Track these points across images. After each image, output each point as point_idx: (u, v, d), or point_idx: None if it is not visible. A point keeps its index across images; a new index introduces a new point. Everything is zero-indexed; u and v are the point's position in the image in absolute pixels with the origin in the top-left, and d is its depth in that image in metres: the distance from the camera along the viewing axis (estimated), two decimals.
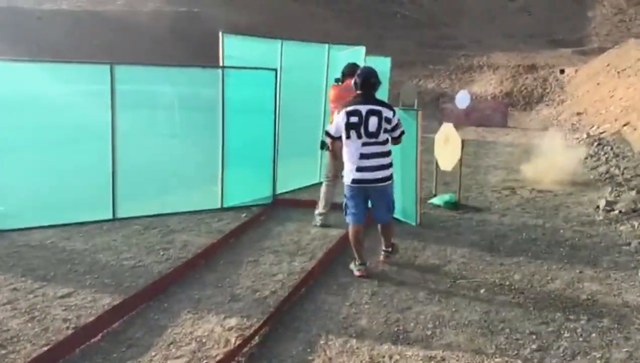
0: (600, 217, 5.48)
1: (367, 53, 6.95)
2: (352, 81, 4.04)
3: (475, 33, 24.48)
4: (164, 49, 18.13)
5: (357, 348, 2.94)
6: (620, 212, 5.52)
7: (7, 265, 4.03)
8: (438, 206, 5.88)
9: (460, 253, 4.41)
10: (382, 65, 6.82)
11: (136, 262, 4.16)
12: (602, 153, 8.95)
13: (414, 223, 5.17)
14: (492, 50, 20.99)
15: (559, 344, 2.98)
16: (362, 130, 3.81)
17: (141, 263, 4.14)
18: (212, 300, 3.51)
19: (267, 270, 4.05)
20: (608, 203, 5.78)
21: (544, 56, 20.08)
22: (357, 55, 7.16)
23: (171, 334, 3.06)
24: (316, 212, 5.18)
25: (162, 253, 4.36)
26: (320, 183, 5.37)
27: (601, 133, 10.90)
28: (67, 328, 3.10)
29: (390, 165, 3.97)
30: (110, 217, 5.19)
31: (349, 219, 4.03)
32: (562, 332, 3.12)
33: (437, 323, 3.22)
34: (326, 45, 6.92)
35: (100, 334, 3.03)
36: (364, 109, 3.83)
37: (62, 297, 3.50)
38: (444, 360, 2.83)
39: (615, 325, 3.19)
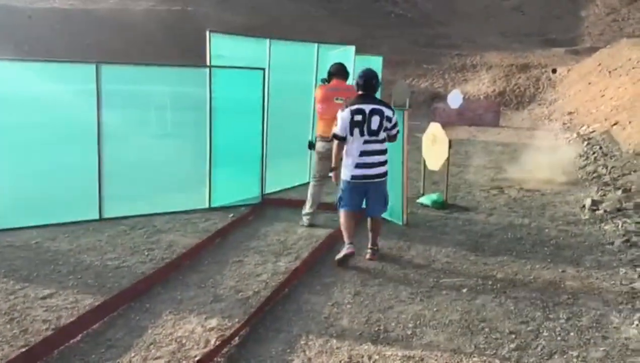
0: (586, 216, 5.52)
1: (362, 52, 6.93)
2: (354, 82, 4.20)
3: (469, 32, 24.55)
4: (156, 47, 18.08)
5: (337, 348, 2.95)
6: (605, 211, 5.55)
7: None
8: (426, 205, 5.89)
9: (445, 253, 4.44)
10: (373, 64, 6.81)
11: (120, 262, 4.15)
12: (591, 152, 8.99)
13: (400, 223, 5.18)
14: (485, 50, 21.02)
15: (537, 343, 3.01)
16: (365, 128, 4.06)
17: (125, 263, 4.13)
18: (194, 301, 3.51)
19: (251, 270, 4.05)
20: (594, 202, 5.82)
21: (537, 55, 20.14)
22: (347, 54, 7.16)
23: (151, 335, 3.06)
24: (303, 211, 5.18)
25: (146, 253, 4.35)
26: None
27: (591, 132, 10.95)
28: (47, 329, 3.08)
29: (386, 161, 4.22)
30: (97, 217, 5.17)
31: (342, 208, 4.21)
32: (541, 331, 3.14)
33: (417, 322, 3.24)
34: (315, 45, 6.90)
35: (80, 335, 3.01)
36: (367, 108, 4.07)
37: (43, 297, 3.49)
38: (422, 360, 2.85)
39: (594, 324, 3.22)
